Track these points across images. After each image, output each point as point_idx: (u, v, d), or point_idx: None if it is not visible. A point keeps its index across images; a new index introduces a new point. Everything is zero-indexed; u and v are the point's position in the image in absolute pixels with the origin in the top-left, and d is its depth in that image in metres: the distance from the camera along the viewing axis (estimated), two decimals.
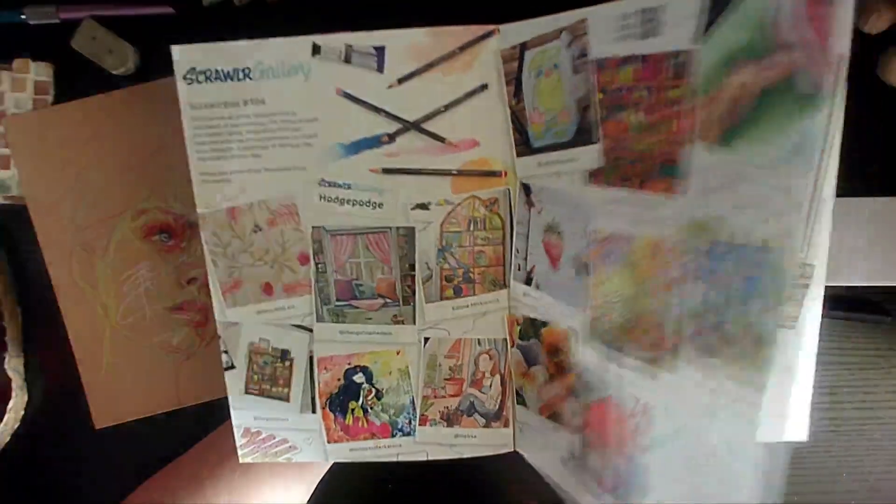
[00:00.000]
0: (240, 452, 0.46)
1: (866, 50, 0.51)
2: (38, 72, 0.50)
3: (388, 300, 0.46)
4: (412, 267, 0.46)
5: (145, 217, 0.51)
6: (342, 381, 0.46)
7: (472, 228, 0.46)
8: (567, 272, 0.45)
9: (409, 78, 0.44)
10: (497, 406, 0.47)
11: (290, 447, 0.47)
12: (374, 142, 0.45)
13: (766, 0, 0.37)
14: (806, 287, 0.45)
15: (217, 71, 0.45)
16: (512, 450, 0.47)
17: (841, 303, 0.54)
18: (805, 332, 0.45)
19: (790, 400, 0.46)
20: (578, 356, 0.45)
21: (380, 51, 0.43)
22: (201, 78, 0.45)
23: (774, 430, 0.46)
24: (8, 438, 0.52)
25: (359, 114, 0.44)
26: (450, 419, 0.47)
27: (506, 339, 0.47)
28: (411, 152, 0.44)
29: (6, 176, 0.51)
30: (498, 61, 0.44)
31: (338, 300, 0.46)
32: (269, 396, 0.46)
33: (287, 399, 0.46)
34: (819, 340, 0.53)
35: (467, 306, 0.46)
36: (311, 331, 0.46)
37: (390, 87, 0.44)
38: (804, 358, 0.46)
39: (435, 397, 0.47)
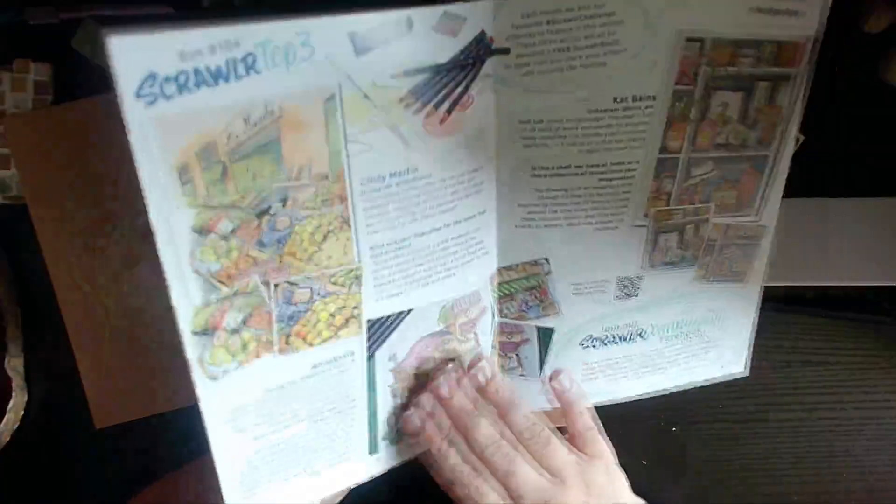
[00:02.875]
0: None
1: (866, 50, 0.51)
2: (38, 72, 0.50)
3: None
4: None
5: (145, 217, 0.51)
6: None
7: None
8: None
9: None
10: None
11: None
12: None
13: None
14: (757, 245, 0.48)
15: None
16: None
17: (841, 303, 0.54)
18: (750, 287, 0.49)
19: (734, 342, 0.51)
20: None
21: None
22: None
23: (718, 367, 0.52)
24: (8, 438, 0.52)
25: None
26: None
27: None
28: None
29: (6, 176, 0.51)
30: None
31: None
32: None
33: None
34: (819, 340, 0.53)
35: None
36: None
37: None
38: (748, 309, 0.50)
39: None
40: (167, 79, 0.30)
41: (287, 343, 0.40)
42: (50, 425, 0.53)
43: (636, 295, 0.48)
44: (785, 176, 0.46)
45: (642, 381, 0.51)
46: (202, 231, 0.35)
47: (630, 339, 0.49)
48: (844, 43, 0.52)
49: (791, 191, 0.51)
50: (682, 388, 0.51)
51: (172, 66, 0.30)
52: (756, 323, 0.50)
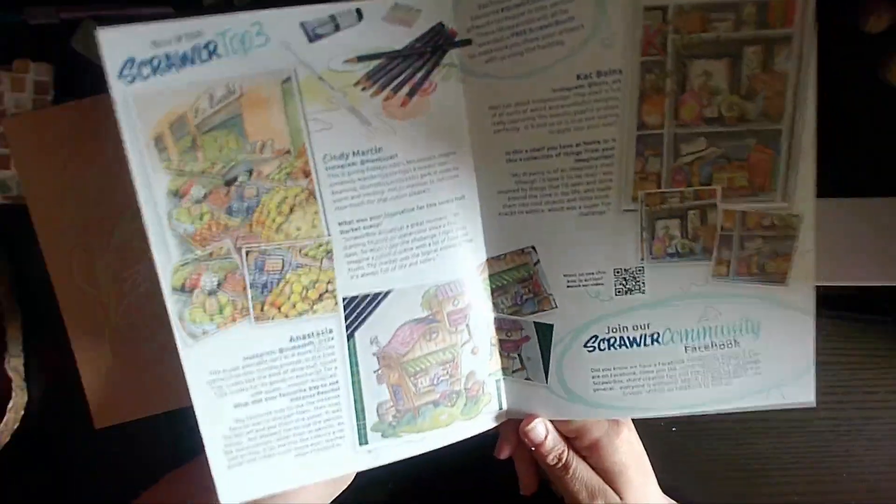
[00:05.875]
0: None
1: (866, 50, 0.51)
2: (37, 72, 0.50)
3: None
4: None
5: None
6: None
7: None
8: None
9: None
10: None
11: None
12: None
13: None
14: (791, 239, 0.43)
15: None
16: None
17: (841, 303, 0.54)
18: (796, 291, 0.43)
19: (788, 361, 0.44)
20: None
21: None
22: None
23: (776, 395, 0.45)
24: (8, 438, 0.52)
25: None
26: None
27: None
28: None
29: (6, 176, 0.51)
30: None
31: None
32: None
33: None
34: (820, 339, 0.52)
35: None
36: None
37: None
38: (798, 319, 0.44)
39: None
40: (143, 62, 0.38)
41: (262, 311, 0.42)
42: (50, 425, 0.53)
43: (641, 291, 0.44)
44: (813, 155, 0.41)
45: (669, 398, 0.45)
46: (177, 194, 0.40)
47: (642, 343, 0.45)
48: (844, 43, 0.52)
49: None
50: (727, 412, 0.45)
51: (146, 52, 0.38)
52: (815, 340, 0.44)
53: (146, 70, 0.38)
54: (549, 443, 0.46)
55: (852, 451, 0.56)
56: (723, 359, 0.45)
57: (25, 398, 0.53)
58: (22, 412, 0.53)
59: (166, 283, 0.41)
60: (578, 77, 0.41)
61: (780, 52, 0.40)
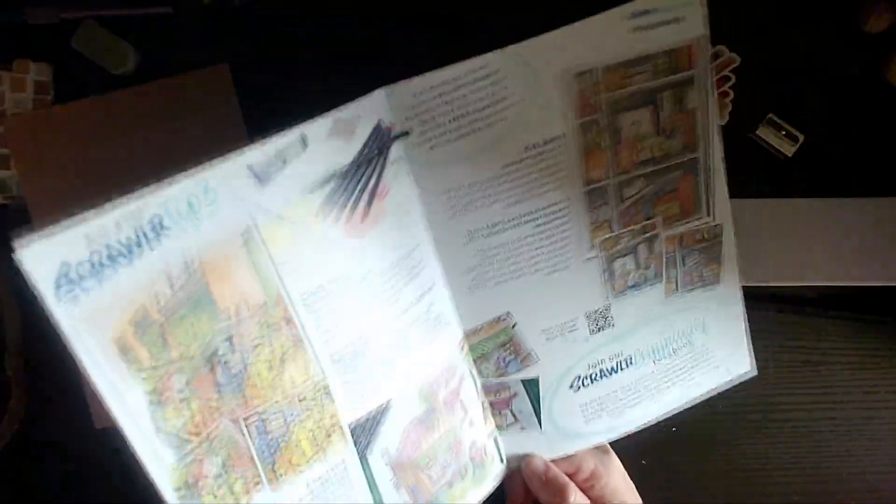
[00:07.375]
0: None
1: (867, 50, 0.51)
2: (38, 72, 0.50)
3: None
4: None
5: None
6: None
7: None
8: None
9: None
10: None
11: None
12: None
13: None
14: (718, 244, 0.48)
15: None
16: None
17: (841, 303, 0.54)
18: (727, 286, 0.49)
19: (729, 344, 0.50)
20: None
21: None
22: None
23: (723, 373, 0.51)
24: (8, 438, 0.52)
25: None
26: None
27: None
28: None
29: (6, 176, 0.51)
30: None
31: None
32: None
33: None
34: (819, 340, 0.53)
35: None
36: None
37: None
38: (732, 308, 0.49)
39: None
40: (80, 266, 0.31)
41: (275, 473, 0.39)
42: (50, 425, 0.53)
43: (611, 325, 0.48)
44: (723, 171, 0.46)
45: (648, 406, 0.50)
46: (158, 392, 0.34)
47: (619, 369, 0.49)
48: (844, 43, 0.52)
49: (791, 191, 0.51)
50: (694, 403, 0.51)
51: (83, 252, 0.31)
52: (746, 319, 0.50)
53: (86, 273, 0.31)
54: (552, 473, 0.47)
55: (852, 451, 0.56)
56: (683, 359, 0.50)
57: (25, 398, 0.53)
58: (22, 412, 0.53)
59: (167, 488, 0.35)
60: (526, 149, 0.42)
61: (688, 91, 0.44)
